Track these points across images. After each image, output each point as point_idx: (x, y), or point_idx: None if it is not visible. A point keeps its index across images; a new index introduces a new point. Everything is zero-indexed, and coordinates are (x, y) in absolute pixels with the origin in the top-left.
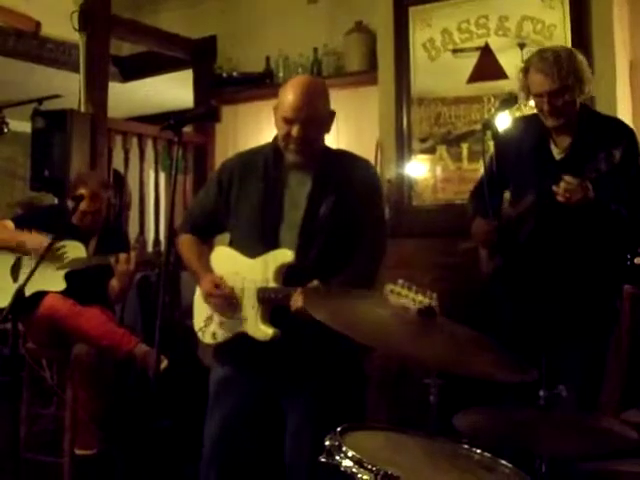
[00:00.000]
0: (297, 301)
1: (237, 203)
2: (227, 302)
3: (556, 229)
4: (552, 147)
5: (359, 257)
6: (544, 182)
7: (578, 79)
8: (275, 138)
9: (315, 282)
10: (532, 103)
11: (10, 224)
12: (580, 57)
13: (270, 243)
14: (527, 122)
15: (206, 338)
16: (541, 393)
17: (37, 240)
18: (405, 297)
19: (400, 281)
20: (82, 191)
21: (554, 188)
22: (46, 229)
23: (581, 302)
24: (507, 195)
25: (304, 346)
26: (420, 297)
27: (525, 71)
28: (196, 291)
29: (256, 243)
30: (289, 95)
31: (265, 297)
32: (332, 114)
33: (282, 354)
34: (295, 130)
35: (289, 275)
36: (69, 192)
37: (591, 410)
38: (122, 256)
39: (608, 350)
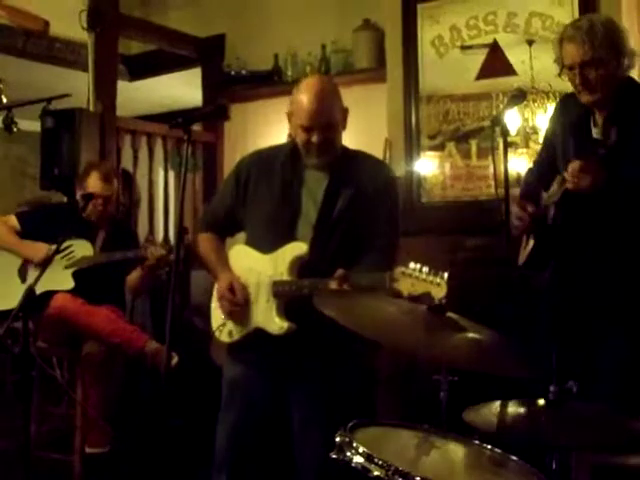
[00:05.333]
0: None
1: (254, 200)
2: (238, 305)
3: (580, 214)
4: (592, 125)
5: (372, 254)
6: None
7: (615, 51)
8: (292, 139)
9: (341, 271)
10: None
11: (14, 222)
12: (619, 27)
13: (287, 239)
14: (571, 99)
15: (223, 337)
16: (551, 388)
17: (35, 251)
18: (416, 279)
19: (411, 263)
20: (92, 177)
21: (563, 174)
22: (52, 227)
23: (615, 295)
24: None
25: (317, 341)
26: (431, 277)
27: (559, 42)
28: (214, 291)
29: (273, 239)
30: (303, 102)
31: (279, 290)
32: (346, 111)
33: (295, 350)
34: (315, 137)
35: (304, 269)
36: (79, 181)
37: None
38: (154, 250)
39: None
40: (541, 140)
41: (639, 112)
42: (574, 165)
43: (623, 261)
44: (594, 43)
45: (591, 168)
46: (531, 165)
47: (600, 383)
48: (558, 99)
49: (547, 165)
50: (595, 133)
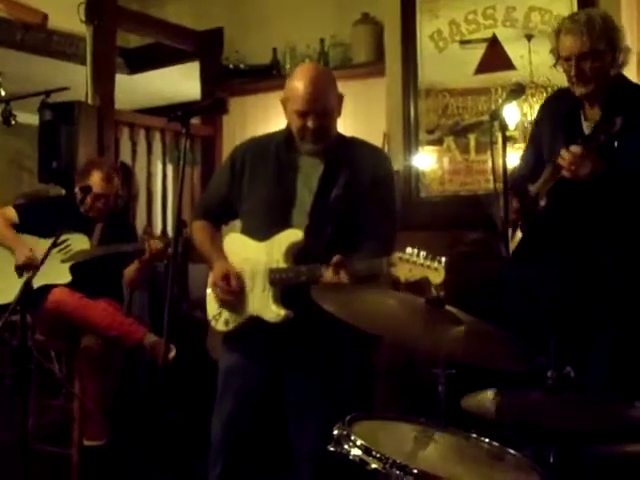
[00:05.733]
0: (327, 275)
1: (249, 187)
2: (232, 294)
3: (575, 203)
4: (582, 120)
5: (369, 242)
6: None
7: (611, 45)
8: (288, 126)
9: (338, 256)
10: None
11: (12, 213)
12: (616, 23)
13: (282, 226)
14: (562, 94)
15: (219, 326)
16: (549, 374)
17: (20, 252)
18: (413, 264)
19: (408, 249)
20: (94, 177)
21: (559, 161)
22: (50, 220)
23: (604, 283)
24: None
25: (314, 330)
26: (429, 262)
27: (556, 33)
28: (209, 279)
29: (268, 226)
30: (299, 87)
31: (276, 278)
32: (341, 97)
33: (292, 338)
34: (310, 122)
35: (300, 255)
36: (79, 178)
37: (622, 395)
38: (154, 243)
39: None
40: None
41: (635, 106)
42: (574, 151)
43: (617, 251)
44: (592, 35)
45: (592, 156)
46: (519, 161)
47: (592, 373)
48: (548, 95)
49: (534, 160)
50: (586, 127)
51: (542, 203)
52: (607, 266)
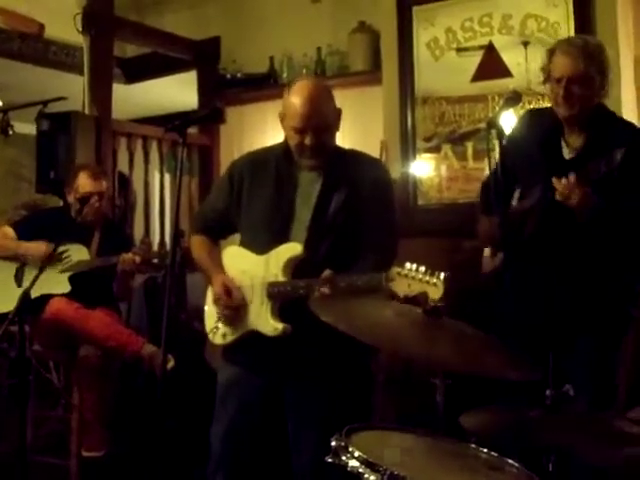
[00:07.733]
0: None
1: (248, 202)
2: (235, 308)
3: (561, 228)
4: (563, 145)
5: (369, 255)
6: (551, 180)
7: (601, 72)
8: (286, 139)
9: (328, 271)
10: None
11: (10, 232)
12: (607, 53)
13: (281, 241)
14: (538, 116)
15: (217, 339)
16: (548, 392)
17: (37, 249)
18: (412, 279)
19: (407, 264)
20: (80, 178)
21: (554, 182)
22: (47, 232)
23: (587, 303)
24: (517, 194)
25: (312, 343)
26: (428, 277)
27: (551, 53)
28: (207, 292)
29: (267, 241)
30: (295, 104)
31: (274, 292)
32: (339, 112)
33: (290, 351)
34: (308, 139)
35: (298, 269)
36: (68, 185)
37: (602, 410)
38: (126, 256)
39: (618, 352)
40: None
41: (613, 142)
42: (569, 179)
43: (596, 270)
44: (586, 61)
45: (583, 188)
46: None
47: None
48: (523, 113)
49: (504, 180)
50: (566, 153)
51: (531, 224)
52: (585, 285)
